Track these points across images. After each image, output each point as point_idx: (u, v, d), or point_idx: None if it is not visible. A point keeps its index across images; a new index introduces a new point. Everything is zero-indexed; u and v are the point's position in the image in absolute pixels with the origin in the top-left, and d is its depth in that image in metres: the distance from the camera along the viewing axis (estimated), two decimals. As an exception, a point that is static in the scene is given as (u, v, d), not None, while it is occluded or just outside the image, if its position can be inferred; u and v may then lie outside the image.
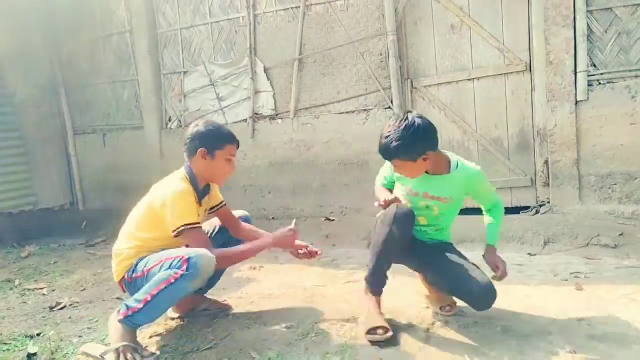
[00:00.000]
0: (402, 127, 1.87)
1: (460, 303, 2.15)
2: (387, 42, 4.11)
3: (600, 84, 3.52)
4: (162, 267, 1.90)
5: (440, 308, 2.20)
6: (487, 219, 2.21)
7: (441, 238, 2.22)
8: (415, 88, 4.22)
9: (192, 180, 2.12)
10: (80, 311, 2.65)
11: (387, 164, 2.19)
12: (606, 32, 3.47)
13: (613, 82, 3.48)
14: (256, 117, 4.70)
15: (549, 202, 3.78)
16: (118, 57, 5.33)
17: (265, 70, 4.61)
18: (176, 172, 2.19)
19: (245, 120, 4.74)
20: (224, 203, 2.36)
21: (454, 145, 4.11)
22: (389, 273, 2.08)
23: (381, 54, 4.18)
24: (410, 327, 2.09)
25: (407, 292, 2.47)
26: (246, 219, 2.47)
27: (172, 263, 1.88)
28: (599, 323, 1.97)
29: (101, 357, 1.90)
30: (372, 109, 4.28)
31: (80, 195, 5.70)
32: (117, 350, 1.86)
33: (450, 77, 4.07)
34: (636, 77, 3.42)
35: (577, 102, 3.56)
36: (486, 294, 1.92)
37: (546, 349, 1.81)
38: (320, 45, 4.40)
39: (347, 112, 4.37)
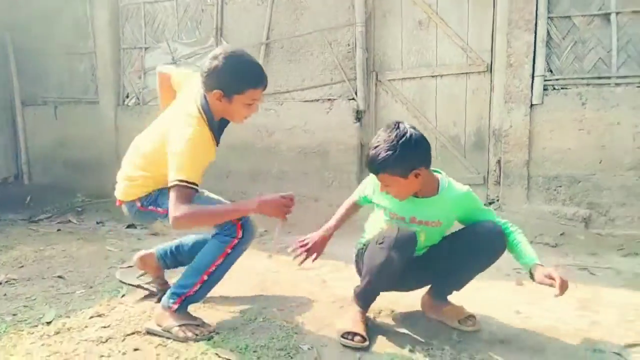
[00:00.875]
0: (393, 136, 1.68)
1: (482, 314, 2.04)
2: (355, 32, 4.11)
3: (554, 89, 3.66)
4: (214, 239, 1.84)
5: (459, 322, 1.97)
6: (512, 241, 1.85)
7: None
8: (380, 81, 4.25)
9: (208, 115, 1.81)
10: (17, 288, 2.54)
11: (368, 180, 2.02)
12: (564, 39, 3.60)
13: (566, 88, 3.62)
14: (218, 99, 4.61)
15: (498, 200, 3.91)
16: (75, 27, 5.09)
17: (230, 51, 4.52)
18: (189, 99, 1.85)
19: (207, 102, 4.64)
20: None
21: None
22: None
23: (348, 45, 4.18)
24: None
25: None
26: None
27: (224, 229, 1.81)
28: (534, 315, 2.07)
29: (166, 330, 1.89)
30: (336, 99, 4.29)
31: (26, 168, 5.45)
32: (175, 329, 1.86)
33: (414, 73, 4.12)
34: (587, 84, 3.57)
35: (532, 105, 3.69)
36: (499, 235, 1.81)
37: (483, 338, 1.89)
38: (288, 31, 4.35)
39: (311, 101, 4.36)
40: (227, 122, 2.00)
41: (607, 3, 3.46)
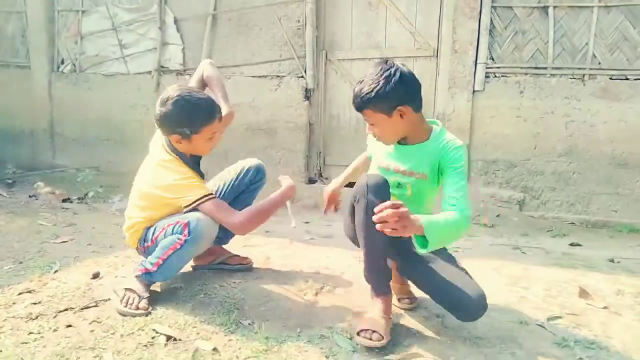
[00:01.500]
0: (379, 70, 1.60)
1: (420, 294, 1.94)
2: (305, 9, 4.06)
3: (495, 76, 3.80)
4: (165, 233, 1.88)
5: (399, 299, 1.99)
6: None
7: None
8: (330, 60, 4.24)
9: (181, 157, 1.92)
10: None
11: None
12: (505, 28, 3.74)
13: (506, 76, 3.78)
14: (162, 70, 4.44)
15: (440, 182, 4.05)
16: (3, -17, 4.69)
17: (175, 21, 4.35)
18: (158, 148, 1.94)
19: (150, 72, 4.45)
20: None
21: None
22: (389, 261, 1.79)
23: (298, 21, 4.12)
24: (301, 290, 2.14)
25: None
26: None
27: (173, 228, 1.85)
28: (468, 292, 2.18)
29: (115, 290, 1.98)
30: (285, 76, 4.24)
31: (-51, 136, 5.03)
32: (123, 290, 1.90)
33: (363, 54, 4.14)
34: (525, 74, 3.74)
35: (474, 92, 3.83)
36: (477, 306, 1.60)
37: (421, 314, 1.97)
38: (237, 3, 4.23)
39: (260, 77, 4.29)
40: (200, 157, 2.07)
41: (547, -4, 3.62)
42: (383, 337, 1.63)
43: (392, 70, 1.58)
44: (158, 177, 1.90)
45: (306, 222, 3.58)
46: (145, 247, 1.99)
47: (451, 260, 1.79)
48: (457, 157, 1.67)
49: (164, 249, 1.87)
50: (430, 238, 1.50)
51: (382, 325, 1.67)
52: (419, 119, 1.70)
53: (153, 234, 1.95)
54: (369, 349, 1.63)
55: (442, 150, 1.67)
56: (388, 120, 1.64)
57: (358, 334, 1.67)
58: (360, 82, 1.64)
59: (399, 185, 1.77)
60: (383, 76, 1.58)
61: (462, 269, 1.74)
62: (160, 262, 1.88)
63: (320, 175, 4.46)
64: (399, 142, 1.77)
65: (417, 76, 1.66)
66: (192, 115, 1.81)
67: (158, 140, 2.01)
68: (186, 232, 1.82)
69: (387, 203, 1.43)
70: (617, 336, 1.81)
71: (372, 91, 1.59)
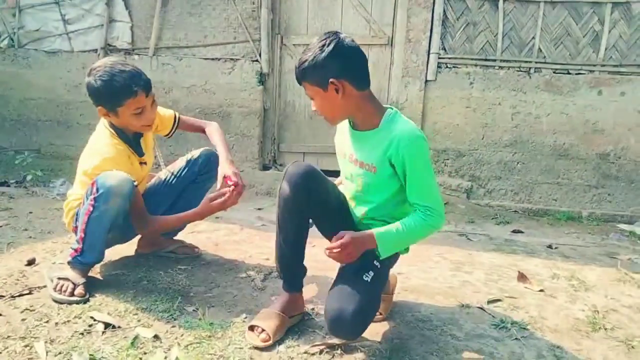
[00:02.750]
0: (321, 42, 1.47)
1: None
2: (260, -9, 3.97)
3: (447, 67, 3.88)
4: (82, 202, 1.79)
5: None
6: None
7: None
8: (285, 45, 4.18)
9: (118, 132, 1.88)
10: None
11: None
12: (457, 20, 3.81)
13: (457, 67, 3.86)
14: (109, 48, 4.23)
15: (392, 170, 4.11)
16: None
17: (124, -3, 4.14)
18: (102, 122, 1.91)
19: (96, 51, 4.24)
20: (177, 119, 2.15)
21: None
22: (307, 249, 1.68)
23: (253, 3, 4.03)
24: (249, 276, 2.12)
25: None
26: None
27: (87, 193, 1.75)
28: (413, 277, 2.23)
29: (49, 278, 1.86)
30: (239, 59, 4.15)
31: None
32: (55, 279, 1.81)
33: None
34: (475, 65, 3.83)
35: (426, 81, 3.89)
36: (331, 323, 1.47)
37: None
38: (189, -19, 4.08)
39: (213, 59, 4.18)
40: (142, 133, 2.00)
41: (497, -11, 3.71)
42: (270, 339, 1.56)
43: (328, 40, 1.46)
44: (86, 154, 1.87)
45: (259, 209, 3.55)
46: (76, 226, 1.88)
47: (365, 269, 1.55)
48: (412, 153, 1.47)
49: (81, 218, 1.77)
50: (382, 249, 1.51)
51: (274, 324, 1.59)
52: (364, 100, 1.54)
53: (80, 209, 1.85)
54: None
55: (392, 143, 1.48)
56: (324, 94, 1.50)
57: (250, 328, 1.61)
58: (303, 52, 1.53)
59: (351, 175, 1.65)
60: (318, 46, 1.47)
61: (366, 282, 1.52)
62: (82, 234, 1.78)
63: (275, 161, 4.42)
64: (353, 128, 1.63)
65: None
66: (113, 88, 1.74)
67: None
68: (94, 189, 1.72)
69: (333, 244, 1.47)
70: (551, 318, 1.90)
71: (305, 61, 1.48)
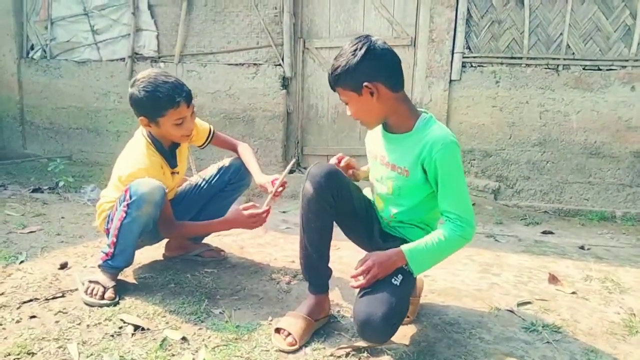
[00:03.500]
0: (349, 45, 1.49)
1: None
2: (282, -4, 4.00)
3: (472, 66, 3.82)
4: (116, 208, 1.83)
5: None
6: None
7: (404, 236, 1.65)
8: (307, 48, 4.20)
9: (155, 142, 1.93)
10: None
11: None
12: (482, 18, 3.75)
13: (482, 66, 3.80)
14: (136, 57, 4.33)
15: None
16: (-33, -35, 4.51)
17: (149, 6, 4.24)
18: (140, 130, 1.97)
19: (123, 59, 4.34)
20: (212, 132, 2.21)
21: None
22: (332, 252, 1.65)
23: (275, 8, 4.06)
24: (274, 278, 2.13)
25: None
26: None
27: (120, 199, 1.80)
28: (440, 279, 2.19)
29: (80, 282, 1.92)
30: (262, 64, 4.18)
31: None
32: (86, 282, 1.86)
33: (341, 42, 4.10)
34: (501, 63, 3.76)
35: (450, 81, 3.84)
36: (360, 326, 1.45)
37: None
38: (212, -12, 4.15)
39: (237, 64, 4.23)
40: (179, 144, 2.04)
41: (523, -14, 3.64)
42: (296, 342, 1.55)
43: (360, 44, 1.46)
44: (122, 160, 1.91)
45: (283, 212, 3.56)
46: (108, 229, 1.93)
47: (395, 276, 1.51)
48: (444, 158, 1.45)
49: (114, 224, 1.82)
50: (414, 267, 1.49)
51: (300, 328, 1.59)
52: (398, 101, 1.52)
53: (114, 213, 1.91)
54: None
55: (424, 147, 1.47)
56: (359, 99, 1.50)
57: (276, 330, 1.61)
58: (335, 58, 1.53)
59: (381, 178, 1.63)
60: (350, 51, 1.47)
61: (395, 285, 1.48)
62: (114, 239, 1.82)
63: (298, 164, 4.43)
64: (386, 130, 1.62)
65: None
66: (156, 98, 1.78)
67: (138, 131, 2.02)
68: (127, 196, 1.75)
69: (357, 270, 1.48)
70: (584, 320, 1.84)
71: (338, 67, 1.49)
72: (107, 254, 1.87)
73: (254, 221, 1.93)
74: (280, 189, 1.95)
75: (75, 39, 4.44)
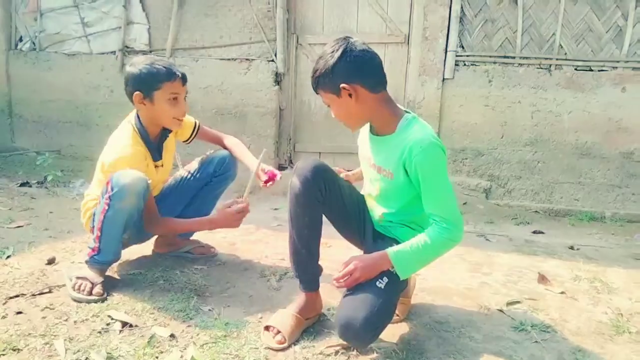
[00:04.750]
0: (330, 48, 1.47)
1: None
2: (275, -9, 3.97)
3: (465, 64, 3.82)
4: (99, 201, 1.81)
5: None
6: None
7: (395, 236, 1.65)
8: (300, 44, 4.18)
9: (141, 132, 1.92)
10: None
11: None
12: (475, 16, 3.75)
13: (475, 65, 3.80)
14: (127, 50, 4.28)
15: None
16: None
17: (141, -1, 4.19)
18: (127, 119, 1.96)
19: (114, 53, 4.29)
20: (197, 126, 2.19)
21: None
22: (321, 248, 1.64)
23: (268, 3, 4.04)
24: (264, 276, 2.12)
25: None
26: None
27: (102, 192, 1.78)
28: (431, 278, 2.19)
29: (68, 277, 1.89)
30: (255, 59, 4.15)
31: None
32: (74, 278, 1.84)
33: (335, 38, 4.08)
34: (494, 63, 3.77)
35: (444, 79, 3.84)
36: (341, 330, 1.44)
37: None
38: (204, -18, 4.10)
39: (229, 59, 4.19)
40: (166, 136, 2.03)
41: (516, -15, 3.64)
42: (285, 341, 1.55)
43: (337, 46, 1.46)
44: (106, 150, 1.90)
45: (275, 209, 3.55)
46: (93, 227, 1.90)
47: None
48: (424, 160, 1.43)
49: (97, 217, 1.80)
50: (400, 270, 1.49)
51: (289, 326, 1.58)
52: (379, 103, 1.51)
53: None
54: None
55: (405, 149, 1.45)
56: (339, 100, 1.50)
57: (266, 328, 1.61)
58: (317, 60, 1.53)
59: (371, 180, 1.64)
60: (328, 53, 1.47)
61: (379, 289, 1.46)
62: (99, 233, 1.81)
63: (290, 161, 4.41)
64: (372, 132, 1.62)
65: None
66: (153, 71, 1.83)
67: (124, 121, 1.99)
68: (109, 188, 1.74)
69: (339, 273, 1.48)
70: (572, 320, 1.85)
71: (317, 70, 1.49)
72: (93, 249, 1.86)
73: (241, 217, 1.95)
74: (270, 182, 1.99)
75: (65, 31, 4.37)
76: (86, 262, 1.89)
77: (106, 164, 1.83)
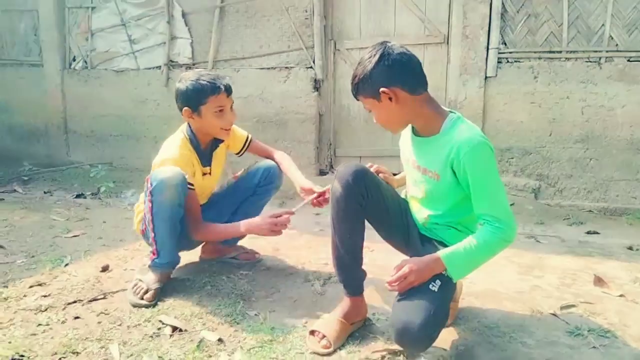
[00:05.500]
0: (368, 54, 1.48)
1: None
2: (313, -2, 4.01)
3: (508, 62, 3.71)
4: (145, 202, 1.90)
5: None
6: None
7: (442, 238, 1.62)
8: (338, 50, 4.19)
9: (192, 140, 2.01)
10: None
11: None
12: (518, 12, 3.64)
13: (519, 62, 3.68)
14: (171, 64, 4.44)
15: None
16: (13, -18, 4.74)
17: (184, 15, 4.34)
18: (180, 128, 2.06)
19: (159, 67, 4.46)
20: (249, 139, 2.26)
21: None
22: (364, 253, 1.64)
23: (306, 11, 4.07)
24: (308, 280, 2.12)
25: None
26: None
27: (144, 191, 1.88)
28: (479, 282, 2.13)
29: (135, 278, 1.98)
30: (293, 67, 4.20)
31: (-33, 135, 5.13)
32: (137, 280, 1.95)
33: (372, 42, 4.01)
34: (539, 58, 3.64)
35: (486, 78, 3.74)
36: (398, 334, 1.41)
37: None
38: (244, -6, 4.20)
39: (268, 68, 4.26)
40: (217, 145, 2.10)
41: (561, -23, 3.51)
42: (330, 345, 1.54)
43: (374, 51, 1.47)
44: (158, 154, 1.97)
45: (317, 214, 3.56)
46: (143, 229, 2.00)
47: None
48: (473, 160, 1.40)
49: (147, 217, 1.88)
50: (453, 273, 1.46)
51: (334, 330, 1.57)
52: (421, 104, 1.50)
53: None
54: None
55: (452, 149, 1.43)
56: (379, 105, 1.50)
57: (311, 333, 1.61)
58: (356, 67, 1.54)
59: (415, 182, 1.62)
60: (366, 59, 1.48)
61: (433, 292, 1.43)
62: (153, 234, 1.89)
63: (331, 166, 4.42)
64: (415, 134, 1.61)
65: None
66: (198, 86, 1.89)
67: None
68: (149, 184, 1.82)
69: (392, 278, 1.45)
70: (634, 325, 1.75)
71: (356, 76, 1.50)
72: (153, 253, 1.95)
73: (276, 229, 1.89)
74: (318, 199, 1.95)
75: (113, 49, 4.59)
76: (149, 266, 1.98)
77: (153, 165, 1.91)
